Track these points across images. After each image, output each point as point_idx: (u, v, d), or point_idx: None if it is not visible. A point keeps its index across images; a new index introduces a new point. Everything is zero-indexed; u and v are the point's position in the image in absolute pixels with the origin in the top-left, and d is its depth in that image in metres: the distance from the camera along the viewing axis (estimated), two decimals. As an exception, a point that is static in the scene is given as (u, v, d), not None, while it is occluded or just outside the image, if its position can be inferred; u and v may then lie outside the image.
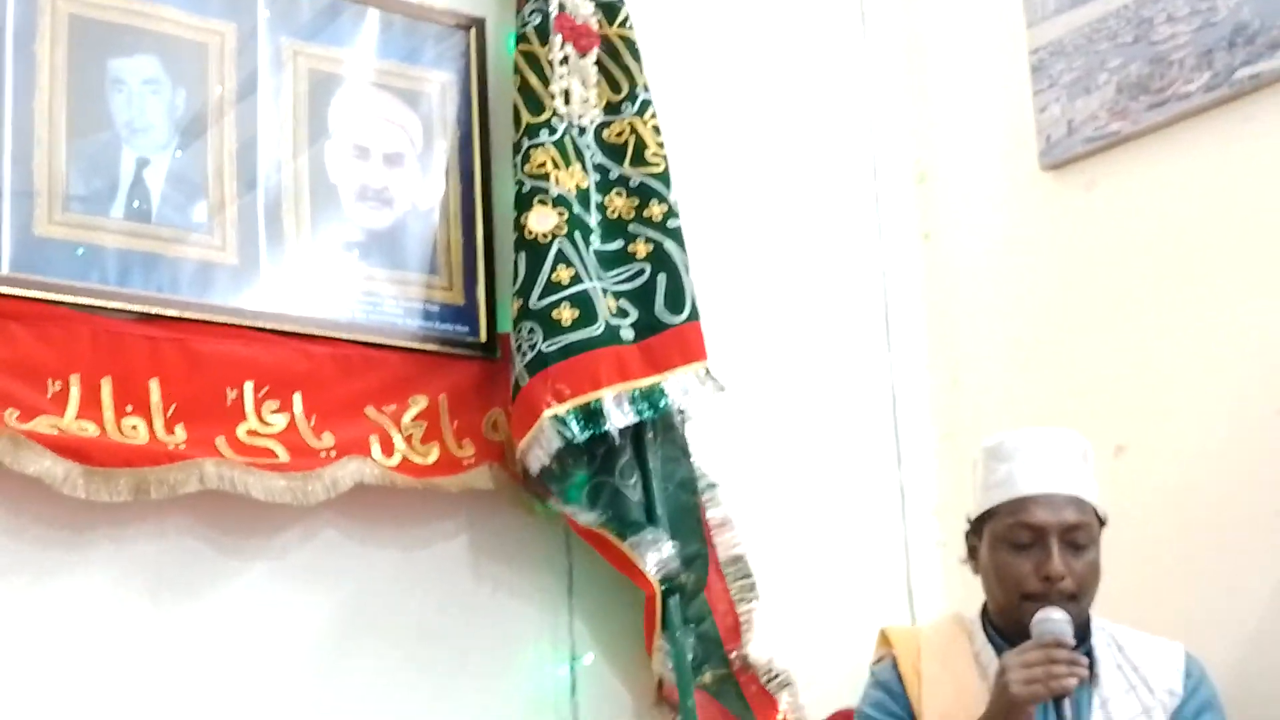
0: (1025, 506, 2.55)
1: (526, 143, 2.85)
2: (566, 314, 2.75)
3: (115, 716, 2.46)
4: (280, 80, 2.76)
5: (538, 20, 2.91)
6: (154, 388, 2.51)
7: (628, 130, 2.95)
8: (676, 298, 2.89)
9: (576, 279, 2.78)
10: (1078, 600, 2.52)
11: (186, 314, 2.58)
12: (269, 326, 2.64)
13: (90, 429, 2.45)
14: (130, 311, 2.54)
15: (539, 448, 2.71)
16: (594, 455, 2.79)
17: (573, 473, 2.77)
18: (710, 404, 2.93)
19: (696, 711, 2.79)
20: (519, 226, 2.80)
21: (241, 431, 2.57)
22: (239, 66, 2.72)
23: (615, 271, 2.88)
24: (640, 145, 2.94)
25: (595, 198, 2.91)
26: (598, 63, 2.97)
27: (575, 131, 2.91)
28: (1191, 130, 3.07)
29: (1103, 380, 3.19)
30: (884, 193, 3.52)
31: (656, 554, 2.78)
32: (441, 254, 2.87)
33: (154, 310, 2.55)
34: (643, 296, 2.88)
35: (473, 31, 2.98)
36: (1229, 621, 2.88)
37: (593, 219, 2.88)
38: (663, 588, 2.78)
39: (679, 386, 2.84)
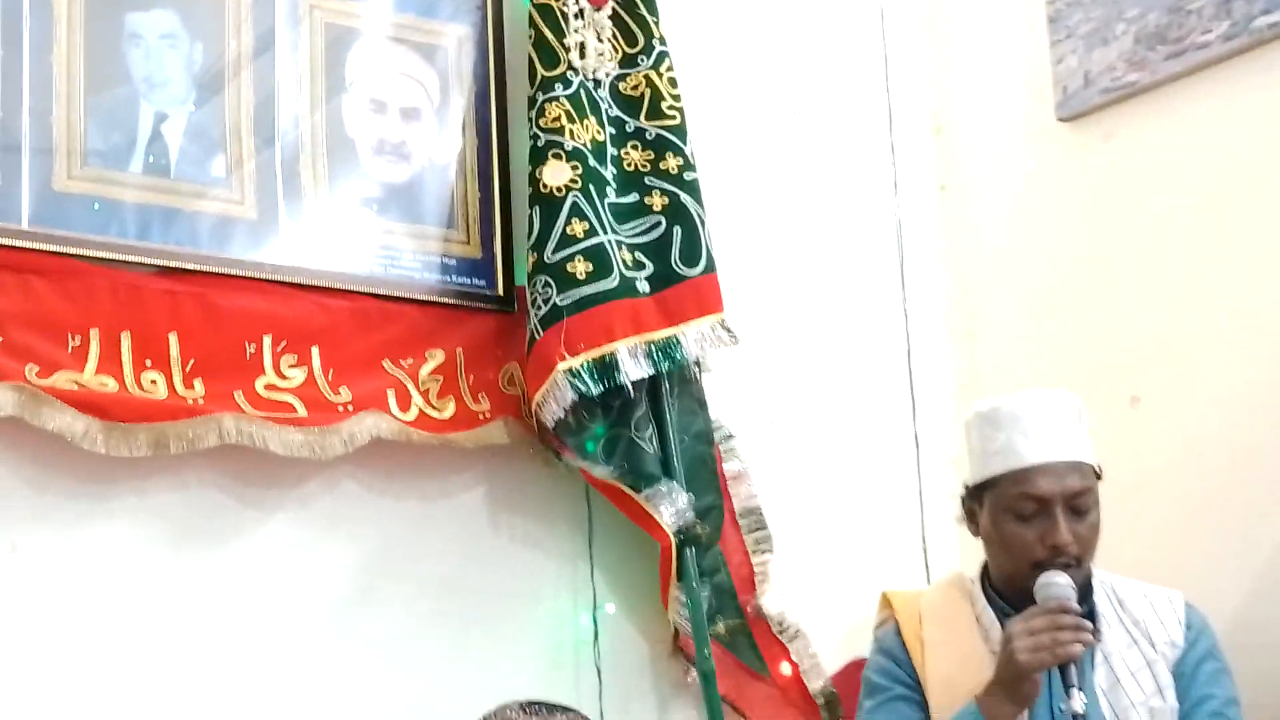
0: (1028, 477, 2.54)
1: (541, 96, 2.85)
2: (581, 267, 2.77)
3: (137, 666, 2.49)
4: (297, 34, 2.77)
5: (553, -27, 2.92)
6: (173, 342, 2.53)
7: (643, 83, 2.95)
8: (693, 250, 2.89)
9: (591, 232, 2.79)
10: (1081, 563, 2.53)
11: (206, 268, 2.59)
12: (287, 280, 2.65)
13: (110, 384, 2.47)
14: (149, 265, 2.56)
15: (553, 401, 2.73)
16: (609, 408, 2.81)
17: (588, 426, 2.79)
18: (727, 356, 2.94)
19: (714, 661, 2.83)
20: (534, 180, 2.81)
21: (260, 386, 2.59)
22: (256, 21, 2.73)
23: (631, 224, 2.89)
24: (656, 98, 2.94)
25: (611, 151, 2.91)
26: (613, 15, 2.97)
27: (591, 85, 2.91)
28: (1210, 80, 3.06)
29: (1118, 331, 3.19)
30: (900, 144, 3.51)
31: (671, 506, 2.80)
32: (458, 208, 2.88)
33: (173, 264, 2.57)
34: (659, 249, 2.88)
35: (489, -15, 2.98)
36: (1236, 571, 2.89)
37: (608, 172, 2.88)
38: (678, 539, 2.80)
39: (694, 338, 2.85)
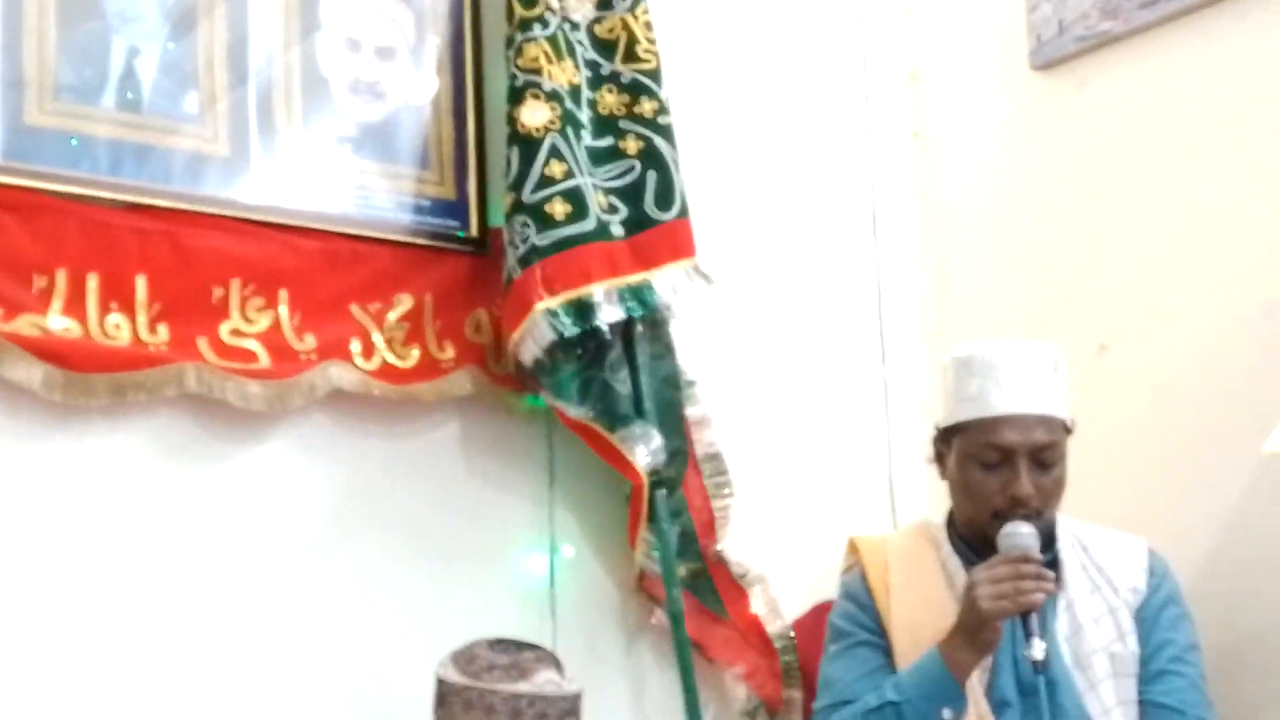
0: (995, 427, 2.56)
1: (519, 37, 2.83)
2: (559, 208, 2.76)
3: (101, 611, 2.48)
4: (272, -30, 2.74)
5: (531, -89, 2.90)
6: (140, 284, 2.51)
7: (619, 26, 2.94)
8: (666, 194, 2.89)
9: (569, 174, 2.78)
10: (1043, 514, 2.55)
11: (177, 205, 2.57)
12: (259, 219, 2.64)
13: (73, 329, 2.45)
14: (121, 202, 2.53)
15: (532, 340, 2.73)
16: (584, 349, 2.81)
17: (563, 366, 2.80)
18: (696, 301, 2.95)
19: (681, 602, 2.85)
20: (512, 121, 2.80)
21: (224, 331, 2.58)
22: (230, -45, 2.70)
23: (606, 168, 2.88)
24: (632, 41, 2.93)
25: (586, 94, 2.90)
26: (590, -44, 2.96)
27: (567, 26, 2.89)
28: (1183, 29, 3.06)
29: (1088, 279, 3.20)
30: (874, 90, 3.51)
31: (645, 447, 2.82)
32: (433, 148, 2.86)
33: (145, 201, 2.55)
34: (633, 193, 2.88)
35: (465, -77, 2.96)
36: (1200, 519, 2.92)
37: (584, 115, 2.87)
38: (650, 480, 2.82)
39: (668, 283, 2.86)
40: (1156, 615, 2.61)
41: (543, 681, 2.28)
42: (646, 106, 2.91)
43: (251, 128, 2.67)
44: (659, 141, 2.91)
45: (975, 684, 2.51)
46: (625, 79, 2.92)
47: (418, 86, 2.87)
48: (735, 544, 3.02)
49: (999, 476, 2.54)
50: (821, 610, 2.91)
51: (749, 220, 3.26)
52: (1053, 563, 2.60)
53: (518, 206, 2.77)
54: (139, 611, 2.50)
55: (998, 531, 2.49)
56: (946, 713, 2.47)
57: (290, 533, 2.66)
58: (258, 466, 2.64)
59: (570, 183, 2.78)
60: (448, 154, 2.87)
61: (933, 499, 3.10)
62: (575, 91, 2.86)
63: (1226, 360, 2.94)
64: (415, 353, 2.76)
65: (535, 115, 2.79)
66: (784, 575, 3.06)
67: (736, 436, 3.07)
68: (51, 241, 2.46)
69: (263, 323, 2.62)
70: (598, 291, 2.77)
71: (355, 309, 2.71)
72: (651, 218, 2.88)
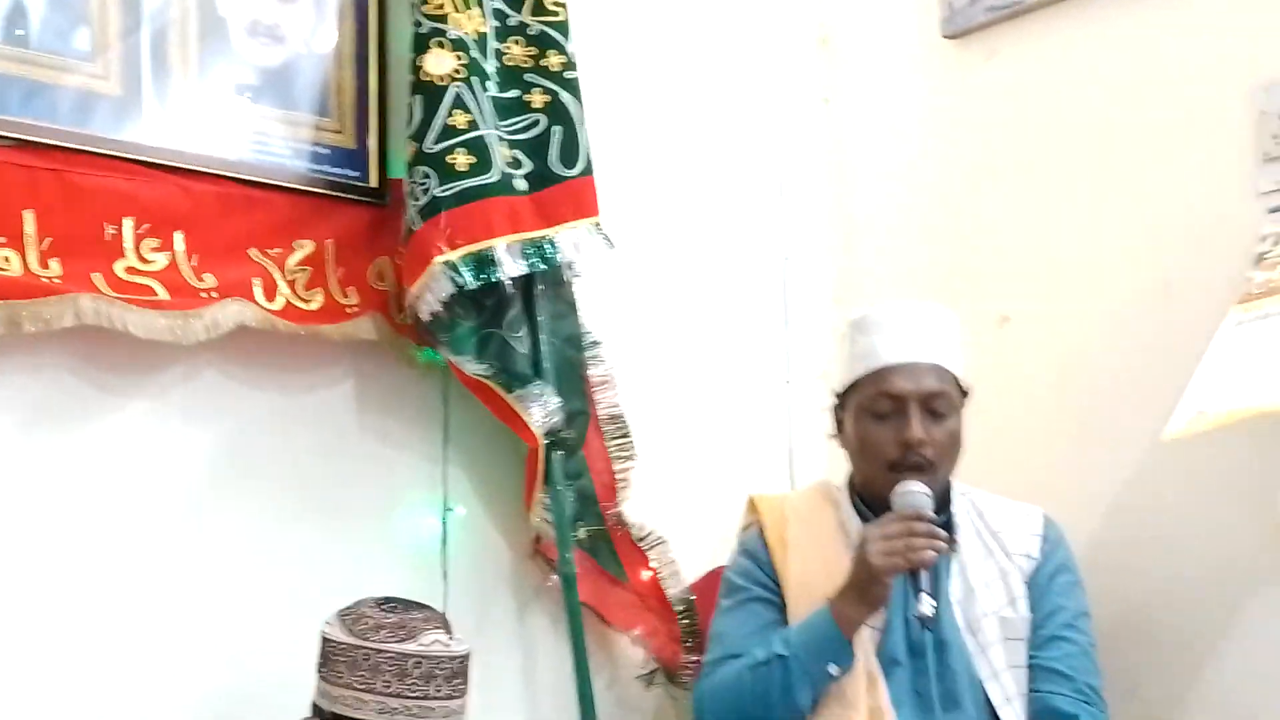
0: (885, 376, 2.58)
1: (425, -18, 2.77)
2: (462, 160, 2.71)
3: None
4: (169, -94, 2.66)
5: None
6: (28, 219, 2.43)
7: (528, -25, 2.89)
8: (571, 151, 2.85)
9: (473, 125, 2.73)
10: (937, 468, 2.56)
11: (66, 144, 2.48)
12: (151, 160, 2.55)
13: (-41, 260, 2.38)
14: (6, 139, 2.45)
15: (430, 294, 2.68)
16: (483, 306, 2.77)
17: (462, 322, 2.75)
18: (603, 260, 2.91)
19: (575, 565, 2.82)
20: (415, 69, 2.74)
21: (120, 268, 2.50)
22: (125, -112, 2.61)
23: (510, 121, 2.83)
24: (541, -8, 2.88)
25: (493, 44, 2.84)
26: (499, -99, 2.90)
27: (474, -26, 2.84)
28: (1091, 3, 3.07)
29: (992, 250, 3.22)
30: (785, 55, 3.49)
31: (542, 408, 2.78)
32: (333, 96, 2.79)
33: (31, 138, 2.46)
34: (537, 148, 2.84)
35: None
36: (1094, 491, 2.95)
37: (490, 65, 2.81)
38: (546, 442, 2.79)
39: (570, 241, 2.82)
40: (1049, 582, 2.64)
41: (430, 642, 2.25)
42: (554, 60, 2.86)
43: (145, 67, 2.58)
44: (565, 97, 2.86)
45: (866, 642, 2.53)
46: (533, 31, 2.87)
47: (319, 31, 2.79)
48: (636, 507, 3.00)
49: (891, 426, 2.57)
50: (716, 575, 2.90)
51: (656, 182, 3.23)
52: (947, 525, 2.62)
53: (419, 157, 2.71)
54: (13, 554, 2.43)
55: (892, 486, 2.50)
56: (833, 668, 2.48)
57: (176, 483, 2.59)
58: (145, 414, 2.57)
59: (474, 134, 2.72)
60: (348, 102, 2.80)
61: (832, 466, 3.10)
62: (482, 41, 2.80)
63: (1126, 336, 2.96)
64: (319, 296, 2.70)
65: (440, 64, 2.73)
66: (684, 538, 3.05)
67: (639, 399, 3.05)
68: (-65, 176, 2.37)
69: (159, 262, 2.54)
70: (500, 246, 2.72)
71: (254, 253, 2.64)
72: (556, 174, 2.84)
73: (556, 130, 2.85)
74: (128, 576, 2.52)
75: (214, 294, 2.57)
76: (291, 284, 2.67)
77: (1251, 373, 2.56)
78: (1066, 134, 3.11)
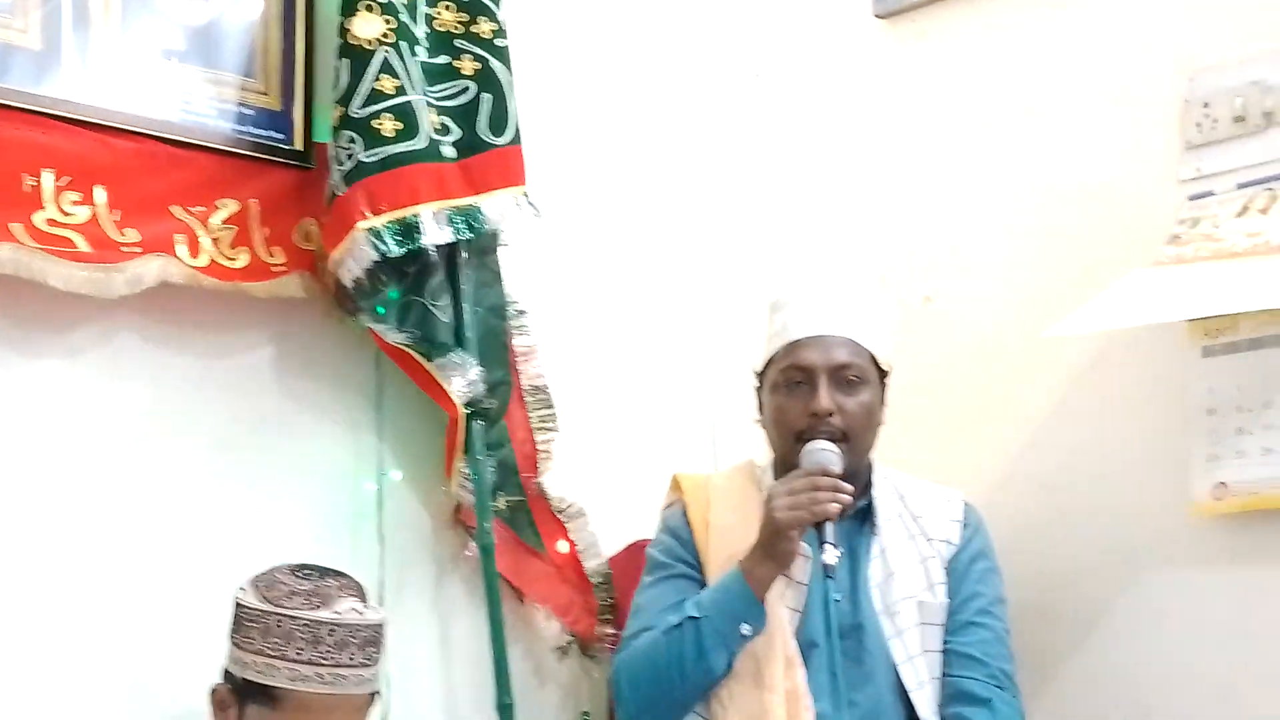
0: (796, 349, 2.60)
1: (355, -57, 2.74)
2: (388, 125, 2.68)
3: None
4: None
5: None
6: (-59, 167, 2.39)
7: (459, -60, 2.86)
8: (500, 119, 2.83)
9: (401, 90, 2.70)
10: (849, 438, 2.57)
11: (-20, 94, 2.44)
12: (70, 116, 2.50)
13: None
14: (-82, 90, 2.41)
15: (352, 260, 2.65)
16: (406, 273, 2.74)
17: (384, 289, 2.72)
18: (529, 230, 2.89)
19: (494, 535, 2.81)
20: (343, 32, 2.70)
21: (40, 219, 2.44)
22: None
23: (440, 87, 2.80)
24: (472, -43, 2.85)
25: (423, 9, 2.80)
26: None
27: (404, -65, 2.80)
28: (1022, -15, 3.09)
29: (915, 229, 3.23)
30: (716, 29, 3.48)
31: (463, 377, 2.76)
32: (259, 57, 2.75)
33: (-56, 89, 2.42)
34: (466, 115, 2.81)
35: None
36: (1014, 472, 2.98)
37: (420, 30, 2.78)
38: (467, 411, 2.77)
39: (496, 209, 2.80)
40: (967, 568, 2.66)
41: (345, 609, 2.23)
42: (485, 27, 2.84)
43: (66, 22, 2.52)
44: (495, 64, 2.83)
45: (785, 625, 2.53)
46: (464, -5, 2.84)
47: (245, -10, 2.75)
48: (557, 479, 2.99)
49: (801, 397, 2.58)
50: (639, 548, 2.92)
51: (585, 153, 3.21)
52: (868, 508, 2.63)
53: (345, 121, 2.68)
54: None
55: None
56: (746, 628, 2.50)
57: (100, 440, 2.55)
58: (60, 371, 2.53)
59: (401, 99, 2.69)
60: (274, 64, 2.76)
61: (755, 442, 3.10)
62: (412, 5, 2.77)
63: (1046, 317, 2.97)
64: (245, 254, 2.66)
65: (368, 27, 2.69)
66: (604, 512, 3.05)
67: (563, 370, 3.04)
68: None
69: (80, 215, 2.48)
70: (425, 212, 2.70)
71: (178, 210, 2.60)
72: (484, 141, 2.81)
73: (486, 98, 2.82)
74: (39, 539, 2.48)
75: (137, 249, 2.53)
76: (216, 242, 2.63)
77: (1143, 298, 2.60)
78: (995, 116, 3.13)
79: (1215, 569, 2.72)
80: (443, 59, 2.81)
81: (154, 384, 2.62)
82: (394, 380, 2.84)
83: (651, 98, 3.36)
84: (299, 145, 2.76)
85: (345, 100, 2.69)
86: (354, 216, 2.64)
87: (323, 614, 2.21)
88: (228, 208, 2.66)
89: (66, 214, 2.48)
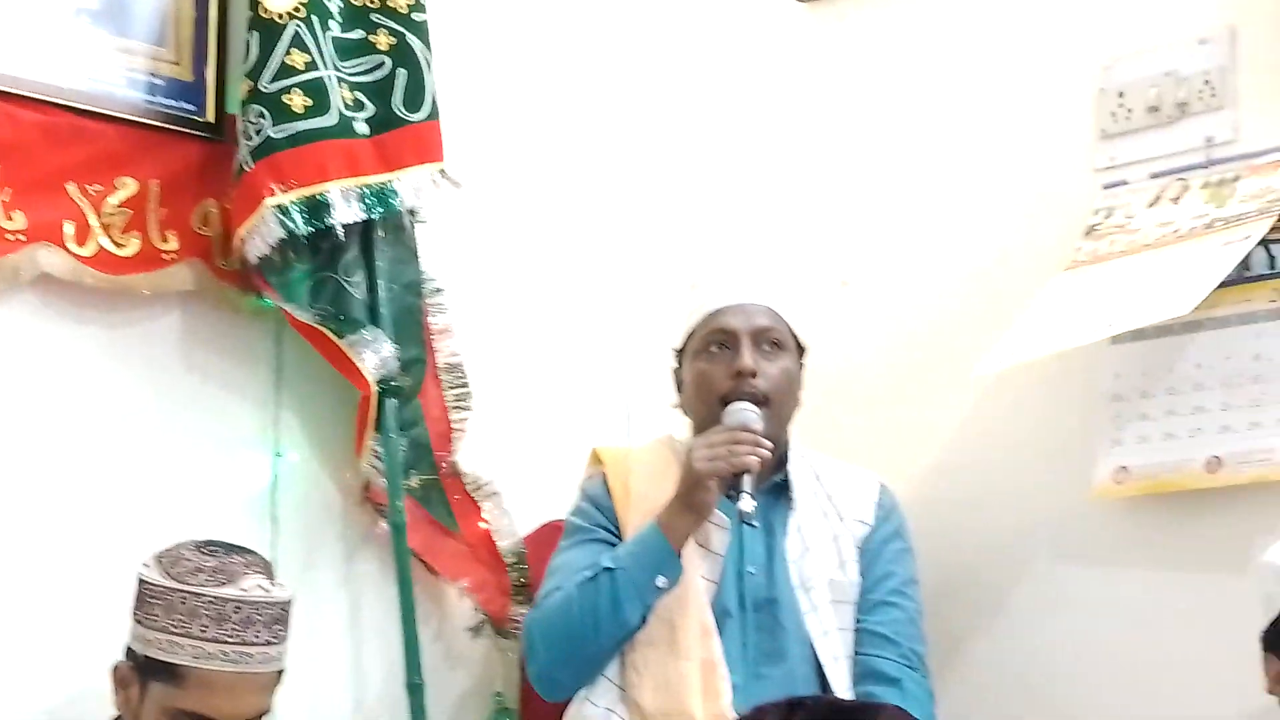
0: (717, 316, 2.64)
1: (268, -87, 2.70)
2: (298, 101, 2.65)
3: None
4: None
5: None
6: None
7: (373, -90, 2.82)
8: (416, 95, 2.80)
9: (312, 65, 2.67)
10: (770, 402, 2.59)
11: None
12: (-28, 84, 2.47)
13: None
14: None
15: (259, 237, 2.62)
16: (318, 249, 2.71)
17: (295, 266, 2.69)
18: (446, 207, 2.87)
19: (405, 514, 2.80)
20: (254, 4, 2.66)
21: (-78, 204, 2.41)
22: None
23: (353, 62, 2.77)
24: (387, -72, 2.82)
25: (338, -18, 2.78)
26: None
27: (318, -94, 2.76)
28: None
29: (836, 214, 3.24)
30: (635, 9, 3.45)
31: (375, 354, 2.74)
32: (171, 26, 2.70)
33: None
34: (381, 90, 2.78)
35: None
36: (926, 455, 3.00)
37: (333, 4, 2.74)
38: (379, 389, 2.75)
39: (411, 186, 2.78)
40: (880, 548, 2.68)
41: (250, 587, 2.21)
42: (400, 1, 2.80)
43: (-34, -18, 2.49)
44: (412, 39, 2.81)
45: (701, 594, 2.55)
46: (379, -31, 2.81)
47: (157, -43, 2.71)
48: (471, 457, 2.97)
49: (724, 360, 2.59)
50: (554, 528, 2.91)
51: (503, 129, 3.18)
52: (784, 483, 2.65)
53: (254, 96, 2.64)
54: None
55: None
56: (661, 580, 2.51)
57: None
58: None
59: (312, 75, 2.66)
60: (186, 34, 2.71)
61: (670, 425, 3.10)
62: (326, -23, 2.75)
63: (961, 302, 3.00)
64: (135, 241, 2.61)
65: (279, 0, 2.66)
66: (519, 491, 3.03)
67: (479, 349, 3.02)
68: None
69: None
70: (334, 190, 2.67)
71: (73, 189, 2.54)
72: (399, 117, 2.79)
73: (401, 73, 2.79)
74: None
75: (21, 236, 2.48)
76: (107, 227, 2.58)
77: (1062, 322, 2.63)
78: (914, 102, 3.14)
79: (1117, 552, 2.76)
80: (357, 34, 2.78)
81: (56, 354, 2.58)
82: (295, 361, 2.80)
83: (573, 77, 3.33)
84: (210, 117, 2.72)
85: (255, 74, 2.65)
86: (262, 193, 2.61)
87: (228, 591, 2.19)
88: (126, 188, 2.61)
89: None
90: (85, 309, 2.60)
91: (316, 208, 2.65)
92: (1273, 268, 2.53)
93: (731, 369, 2.59)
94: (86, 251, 2.55)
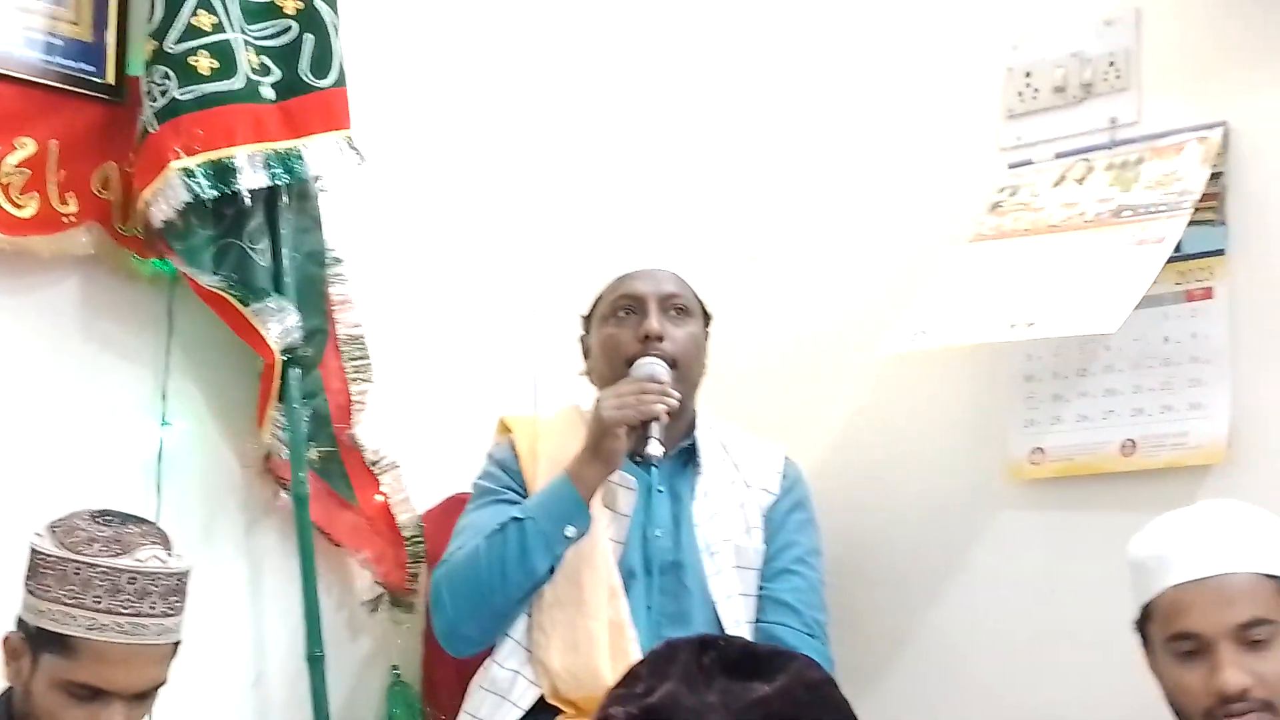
0: (625, 282, 2.68)
1: None
2: (205, 63, 2.61)
3: None
4: None
5: None
6: None
7: None
8: (323, 61, 2.77)
9: (219, 27, 2.63)
10: (678, 368, 2.61)
11: None
12: None
13: None
14: None
15: (164, 200, 2.58)
16: (223, 215, 2.68)
17: (198, 231, 2.65)
18: (350, 176, 2.84)
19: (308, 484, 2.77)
20: (158, -37, 2.63)
21: None
22: None
23: (260, 25, 2.73)
24: (295, -109, 2.78)
25: (245, -57, 2.74)
26: None
27: None
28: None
29: (740, 189, 3.25)
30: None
31: (280, 324, 2.71)
32: (71, -15, 2.66)
33: None
34: (287, 55, 2.75)
35: None
36: (835, 431, 3.02)
37: (241, -35, 2.71)
38: (284, 358, 2.72)
39: (318, 153, 2.75)
40: (785, 517, 2.71)
41: (146, 557, 2.16)
42: (308, -35, 2.77)
43: None
44: (319, 4, 2.78)
45: (609, 555, 2.56)
46: (287, -68, 2.77)
47: (57, -86, 2.64)
48: (371, 430, 2.95)
49: (631, 325, 2.61)
50: (457, 501, 2.89)
51: (410, 98, 3.16)
52: (691, 449, 2.66)
53: (159, 56, 2.60)
54: None
55: None
56: (570, 530, 2.52)
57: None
58: None
59: (219, 36, 2.62)
60: (86, -8, 2.67)
61: (577, 396, 3.09)
62: (233, -62, 2.70)
63: (869, 277, 3.02)
64: (34, 203, 2.56)
65: (185, -40, 2.62)
66: (421, 464, 3.02)
67: (381, 320, 2.99)
68: None
69: None
70: (240, 155, 2.64)
71: None
72: (306, 83, 2.76)
73: (308, 38, 2.76)
74: None
75: None
76: (5, 188, 2.53)
77: (972, 305, 2.64)
78: (823, 78, 3.15)
79: (1030, 533, 2.77)
80: (264, -4, 2.74)
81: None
82: (187, 330, 2.76)
83: (476, 46, 3.30)
84: (110, 79, 2.68)
85: (160, 35, 2.60)
86: (167, 155, 2.57)
87: (123, 561, 2.14)
88: (25, 149, 2.56)
89: None
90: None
91: (223, 172, 2.61)
92: (1178, 250, 2.55)
93: (639, 332, 2.61)
94: None
